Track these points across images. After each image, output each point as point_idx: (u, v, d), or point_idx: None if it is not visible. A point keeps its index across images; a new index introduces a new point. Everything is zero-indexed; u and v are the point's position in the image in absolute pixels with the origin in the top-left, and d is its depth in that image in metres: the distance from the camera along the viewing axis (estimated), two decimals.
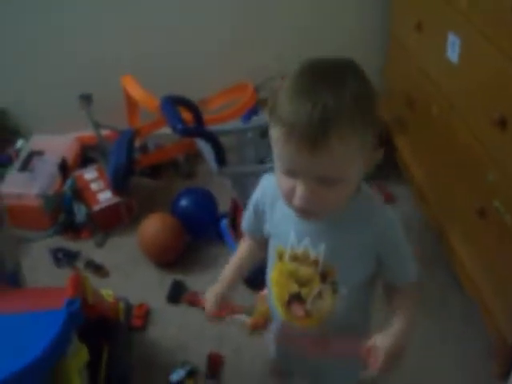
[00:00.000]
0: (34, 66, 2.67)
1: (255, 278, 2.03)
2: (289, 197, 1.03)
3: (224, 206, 2.38)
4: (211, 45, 2.67)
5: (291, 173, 1.00)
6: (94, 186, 2.50)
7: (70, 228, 2.45)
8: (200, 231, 2.33)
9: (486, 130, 1.76)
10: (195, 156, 2.71)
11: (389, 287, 1.24)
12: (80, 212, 2.42)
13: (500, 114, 1.64)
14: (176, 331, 2.06)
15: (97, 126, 2.59)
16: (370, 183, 1.17)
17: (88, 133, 2.68)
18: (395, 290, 1.22)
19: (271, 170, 1.11)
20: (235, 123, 2.48)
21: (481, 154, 1.82)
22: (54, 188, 2.49)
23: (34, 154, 2.61)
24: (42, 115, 2.76)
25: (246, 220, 1.34)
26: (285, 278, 1.21)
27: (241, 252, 1.39)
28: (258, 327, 2.03)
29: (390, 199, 2.57)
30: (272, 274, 1.26)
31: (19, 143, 2.71)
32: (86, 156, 2.75)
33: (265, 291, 2.06)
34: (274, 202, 1.20)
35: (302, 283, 1.18)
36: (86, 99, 2.59)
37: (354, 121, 0.95)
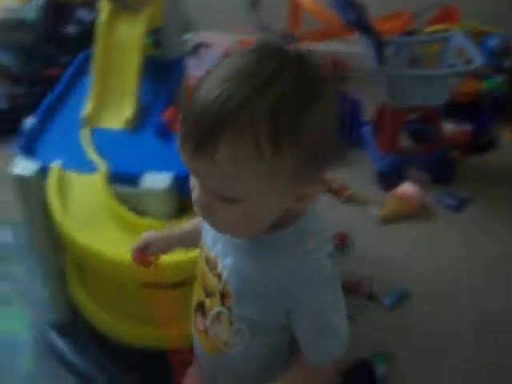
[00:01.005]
0: None
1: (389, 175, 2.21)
2: None
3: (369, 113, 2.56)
4: None
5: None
6: None
7: None
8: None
9: None
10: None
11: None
12: None
13: None
14: None
15: (262, 29, 2.82)
16: None
17: (250, 36, 2.90)
18: (298, 358, 0.93)
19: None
20: None
21: None
22: None
23: (201, 45, 2.88)
24: (212, 14, 3.01)
25: None
26: (199, 280, 1.00)
27: (194, 224, 1.09)
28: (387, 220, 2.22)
29: None
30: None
31: (188, 35, 2.98)
32: None
33: (398, 190, 2.26)
34: None
35: (207, 293, 0.97)
36: (255, 4, 2.81)
37: (259, 134, 0.70)
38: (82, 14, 2.81)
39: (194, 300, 1.02)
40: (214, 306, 0.95)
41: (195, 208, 0.82)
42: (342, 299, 0.89)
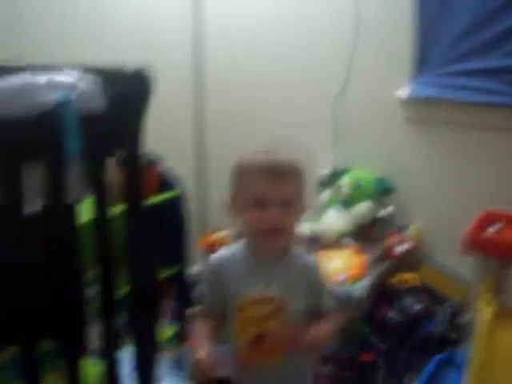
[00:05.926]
0: None
1: None
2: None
3: None
4: None
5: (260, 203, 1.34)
6: None
7: None
8: None
9: None
10: None
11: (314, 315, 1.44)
12: None
13: None
14: None
15: None
16: None
17: None
18: (320, 317, 1.44)
19: None
20: None
21: None
22: None
23: None
24: None
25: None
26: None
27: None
28: None
29: None
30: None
31: None
32: None
33: None
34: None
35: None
36: None
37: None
38: (407, 302, 2.59)
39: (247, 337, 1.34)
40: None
41: (265, 228, 1.36)
42: None
